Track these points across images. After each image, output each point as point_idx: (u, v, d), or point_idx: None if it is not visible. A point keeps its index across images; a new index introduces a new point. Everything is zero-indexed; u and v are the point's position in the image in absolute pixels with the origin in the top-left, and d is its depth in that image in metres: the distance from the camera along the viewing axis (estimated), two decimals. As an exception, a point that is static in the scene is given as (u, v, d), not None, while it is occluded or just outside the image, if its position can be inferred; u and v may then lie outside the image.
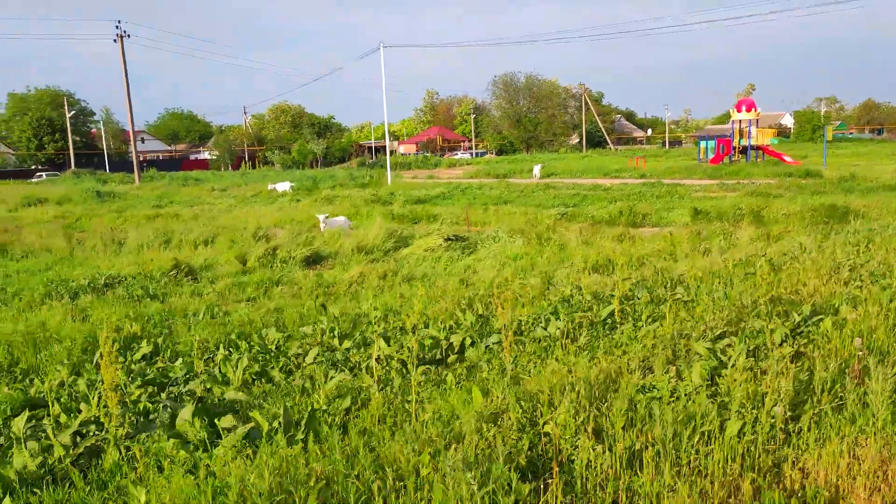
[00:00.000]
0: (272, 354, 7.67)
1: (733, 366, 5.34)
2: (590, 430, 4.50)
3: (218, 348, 8.36)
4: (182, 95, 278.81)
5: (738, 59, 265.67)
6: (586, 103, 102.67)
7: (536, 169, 47.02)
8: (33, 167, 77.93)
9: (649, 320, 7.44)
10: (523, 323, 7.75)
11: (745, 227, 19.71)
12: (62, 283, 12.24)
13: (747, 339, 6.09)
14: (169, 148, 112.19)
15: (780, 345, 6.03)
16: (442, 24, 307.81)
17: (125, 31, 51.51)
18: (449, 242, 17.12)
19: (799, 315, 6.61)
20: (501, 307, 6.39)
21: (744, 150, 54.48)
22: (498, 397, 5.06)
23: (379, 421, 5.24)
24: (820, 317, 6.48)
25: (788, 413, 4.74)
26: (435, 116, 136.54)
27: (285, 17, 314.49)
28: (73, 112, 75.99)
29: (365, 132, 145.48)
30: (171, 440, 4.73)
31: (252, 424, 4.82)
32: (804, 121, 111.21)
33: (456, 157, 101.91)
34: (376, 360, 6.40)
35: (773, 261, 9.74)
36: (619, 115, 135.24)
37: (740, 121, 55.07)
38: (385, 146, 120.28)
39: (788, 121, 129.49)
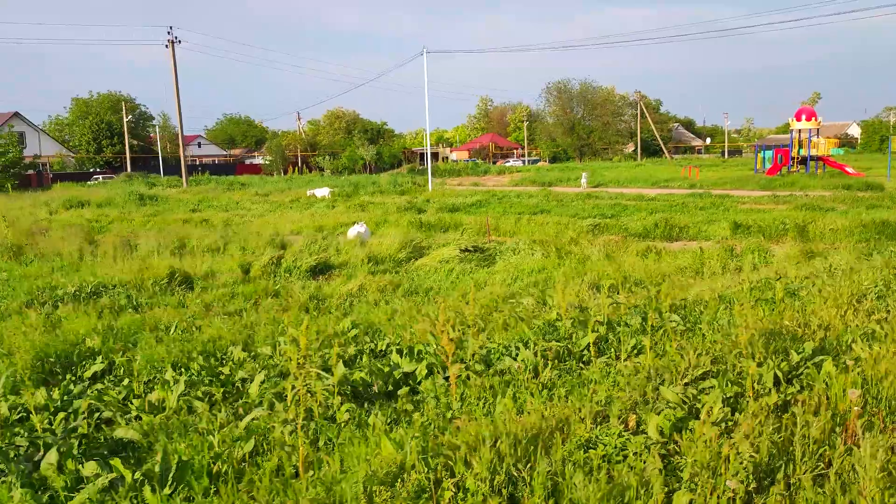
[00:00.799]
0: (214, 379, 7.02)
1: (703, 418, 4.46)
2: (504, 500, 3.71)
3: (177, 368, 7.76)
4: (240, 100, 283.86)
5: (805, 66, 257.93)
6: (642, 111, 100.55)
7: (584, 177, 45.84)
8: (91, 170, 79.79)
9: (634, 352, 6.56)
10: (492, 352, 6.94)
11: (787, 243, 18.51)
12: (49, 291, 11.87)
13: (729, 384, 5.17)
14: (224, 152, 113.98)
15: (769, 391, 5.10)
16: (509, 29, 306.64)
17: (176, 37, 52.25)
18: (466, 254, 16.34)
19: (799, 354, 5.65)
20: (448, 335, 5.61)
21: (803, 161, 52.23)
22: (410, 450, 4.28)
23: (278, 472, 4.52)
24: (822, 357, 5.51)
25: (753, 485, 3.85)
26: (488, 123, 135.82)
27: (347, 22, 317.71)
28: (131, 116, 77.61)
29: (419, 138, 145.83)
30: (22, 489, 4.08)
31: (114, 474, 4.14)
32: (871, 131, 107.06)
33: (507, 164, 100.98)
34: (309, 393, 5.67)
35: (793, 285, 8.71)
36: (676, 124, 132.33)
37: (800, 130, 52.91)
38: (436, 152, 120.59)
39: (855, 131, 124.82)
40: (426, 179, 60.57)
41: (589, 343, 6.87)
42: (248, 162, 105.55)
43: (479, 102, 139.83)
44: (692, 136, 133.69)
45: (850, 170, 47.78)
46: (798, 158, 52.43)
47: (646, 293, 10.01)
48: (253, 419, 5.31)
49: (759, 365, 5.39)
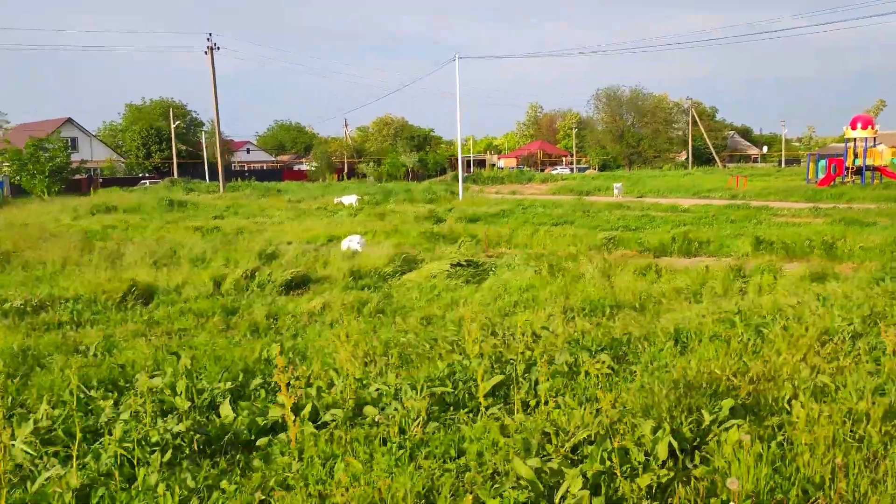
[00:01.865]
0: (84, 416, 6.27)
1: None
2: None
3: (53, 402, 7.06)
4: (290, 107, 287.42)
5: (871, 72, 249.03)
6: (694, 119, 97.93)
7: (616, 188, 44.44)
8: (140, 175, 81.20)
9: (540, 400, 5.59)
10: (384, 394, 6.03)
11: (811, 261, 17.16)
12: (-6, 304, 11.40)
13: (610, 454, 4.18)
14: (271, 159, 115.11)
15: (655, 466, 4.10)
16: (562, 34, 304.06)
17: (216, 44, 52.63)
18: (458, 269, 15.43)
19: (712, 414, 4.62)
20: (287, 381, 4.75)
21: (859, 171, 49.76)
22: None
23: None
24: (736, 421, 4.46)
25: None
26: (538, 130, 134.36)
27: (395, 27, 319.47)
28: (179, 122, 78.76)
29: (468, 145, 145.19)
30: None
31: None
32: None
33: (555, 172, 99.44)
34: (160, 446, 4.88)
35: (764, 319, 7.60)
36: (732, 132, 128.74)
37: (855, 139, 50.45)
38: (483, 159, 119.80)
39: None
40: (466, 186, 59.85)
41: (500, 383, 5.93)
42: (296, 168, 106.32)
43: (528, 109, 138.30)
44: (748, 144, 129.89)
45: (908, 181, 45.25)
46: (853, 168, 49.97)
47: (608, 323, 8.97)
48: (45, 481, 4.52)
49: (655, 430, 4.38)
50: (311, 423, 5.47)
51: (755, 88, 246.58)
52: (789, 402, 4.95)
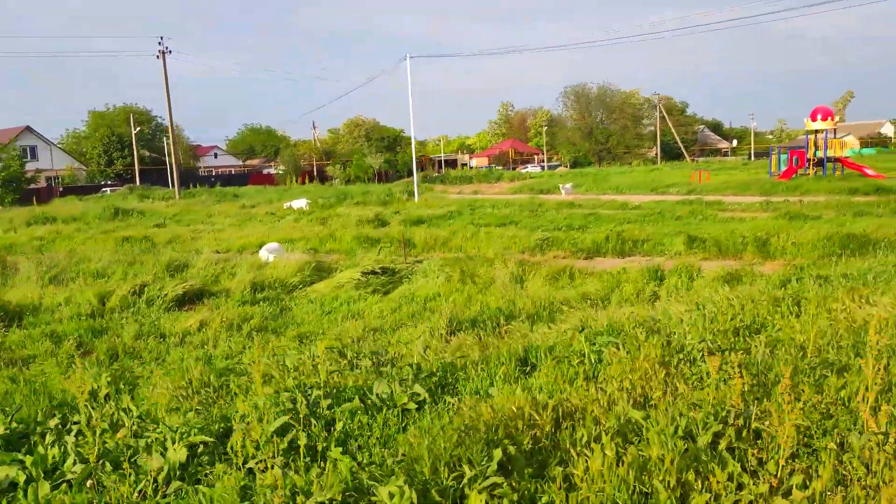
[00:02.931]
0: None
1: None
2: None
3: None
4: (261, 111, 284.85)
5: (841, 65, 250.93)
6: (663, 114, 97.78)
7: (563, 187, 43.67)
8: (102, 183, 79.64)
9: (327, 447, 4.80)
10: (153, 443, 5.20)
11: (742, 258, 16.58)
12: None
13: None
14: (239, 163, 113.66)
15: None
16: (530, 31, 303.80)
17: (167, 48, 51.49)
18: (371, 277, 14.63)
19: (474, 469, 3.84)
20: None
21: (820, 163, 49.58)
22: None
23: None
24: (492, 481, 3.68)
25: None
26: (509, 129, 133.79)
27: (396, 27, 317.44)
28: (139, 128, 77.17)
29: (438, 146, 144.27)
30: None
31: None
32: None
33: (525, 170, 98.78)
34: None
35: (628, 331, 6.85)
36: (702, 126, 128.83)
37: (816, 131, 50.25)
38: (454, 159, 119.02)
39: (889, 130, 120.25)
40: (426, 188, 59.01)
41: (285, 426, 5.11)
42: (265, 172, 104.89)
43: (499, 108, 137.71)
44: (718, 138, 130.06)
45: (869, 171, 44.95)
46: (814, 160, 49.77)
47: (490, 339, 8.20)
48: None
49: (393, 495, 3.59)
50: (47, 483, 4.64)
51: (728, 83, 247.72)
52: (589, 444, 4.19)
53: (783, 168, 50.81)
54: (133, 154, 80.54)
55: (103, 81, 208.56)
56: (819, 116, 50.40)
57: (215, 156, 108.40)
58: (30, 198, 63.07)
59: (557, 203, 33.84)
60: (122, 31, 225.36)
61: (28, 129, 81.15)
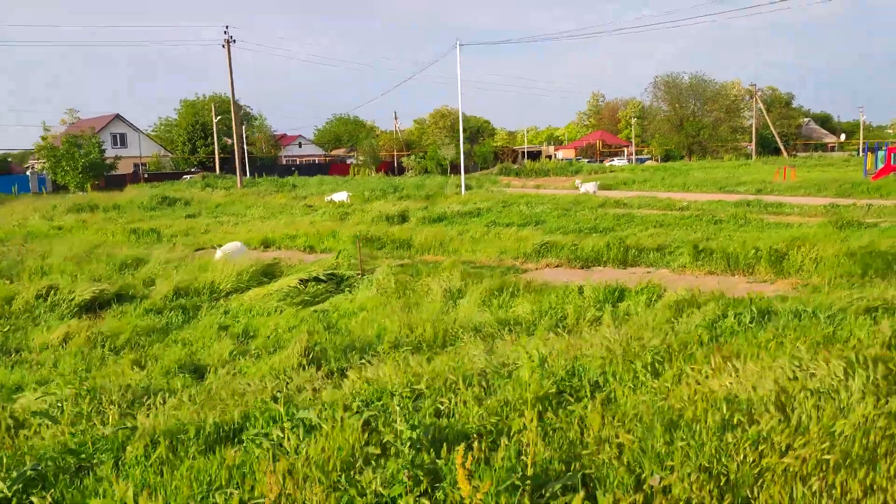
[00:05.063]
0: None
1: None
2: None
3: None
4: (347, 100, 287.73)
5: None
6: (758, 106, 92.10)
7: (582, 184, 40.83)
8: (185, 170, 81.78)
9: None
10: None
11: (755, 273, 14.40)
12: None
13: None
14: (322, 153, 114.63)
15: None
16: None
17: (232, 37, 51.69)
18: (307, 285, 13.26)
19: None
20: None
21: (923, 161, 44.81)
22: None
23: None
24: None
25: None
26: (599, 120, 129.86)
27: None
28: (220, 117, 78.41)
29: (529, 136, 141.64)
30: None
31: None
32: None
33: (612, 163, 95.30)
34: None
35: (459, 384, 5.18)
36: (808, 119, 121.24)
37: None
38: (539, 151, 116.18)
39: None
40: (493, 180, 57.28)
41: None
42: (348, 162, 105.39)
43: (590, 98, 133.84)
44: (825, 132, 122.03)
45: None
46: (918, 158, 45.02)
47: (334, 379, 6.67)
48: None
49: None
50: None
51: (842, 73, 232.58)
52: None
53: (880, 166, 46.36)
54: (214, 142, 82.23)
55: (198, 72, 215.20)
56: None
57: (300, 145, 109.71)
58: (116, 184, 65.23)
59: (602, 201, 31.52)
60: (195, 20, 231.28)
61: (118, 117, 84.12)
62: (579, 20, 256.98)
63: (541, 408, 4.99)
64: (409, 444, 4.08)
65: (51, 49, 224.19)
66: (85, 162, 60.64)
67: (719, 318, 8.24)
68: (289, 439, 4.36)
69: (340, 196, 36.33)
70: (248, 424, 4.94)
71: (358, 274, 14.24)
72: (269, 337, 10.13)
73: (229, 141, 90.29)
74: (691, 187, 41.27)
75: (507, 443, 4.29)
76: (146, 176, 76.54)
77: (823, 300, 8.56)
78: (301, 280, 13.33)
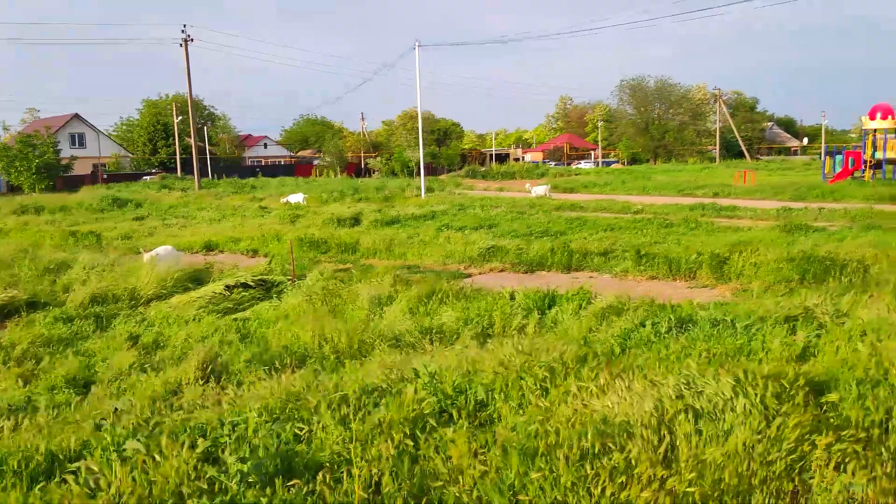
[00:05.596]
0: None
1: None
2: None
3: None
4: (314, 101, 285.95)
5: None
6: (722, 110, 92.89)
7: (534, 188, 39.98)
8: (145, 171, 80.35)
9: None
10: None
11: (696, 278, 14.21)
12: None
13: None
14: (288, 153, 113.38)
15: None
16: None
17: (189, 36, 50.74)
18: (232, 291, 12.75)
19: None
20: None
21: (879, 165, 45.26)
22: None
23: None
24: None
25: None
26: (567, 123, 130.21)
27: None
28: (181, 118, 77.13)
29: (498, 139, 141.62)
30: None
31: None
32: None
33: (578, 165, 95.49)
34: None
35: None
36: (771, 124, 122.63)
37: (875, 130, 45.89)
38: (507, 153, 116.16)
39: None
40: (456, 182, 56.97)
41: None
42: (316, 163, 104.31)
43: (558, 101, 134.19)
44: (789, 136, 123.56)
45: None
46: (872, 162, 45.46)
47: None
48: None
49: None
50: None
51: (806, 79, 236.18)
52: None
53: (838, 170, 46.83)
54: (179, 143, 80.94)
55: (164, 72, 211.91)
56: (879, 114, 46.04)
57: (265, 146, 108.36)
58: (73, 184, 63.76)
59: (559, 204, 31.29)
60: (161, 18, 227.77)
61: (77, 116, 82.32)
62: (563, 22, 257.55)
63: (408, 431, 4.59)
64: (237, 478, 3.65)
65: (13, 47, 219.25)
66: (39, 162, 59.22)
67: (637, 327, 7.92)
68: (112, 473, 3.91)
69: (296, 198, 35.72)
70: (85, 453, 4.48)
71: (289, 279, 13.76)
72: (177, 347, 9.62)
73: (191, 141, 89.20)
74: (651, 190, 41.30)
75: (357, 473, 3.89)
76: (105, 177, 74.96)
77: (747, 308, 8.28)
78: (227, 286, 12.82)
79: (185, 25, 51.25)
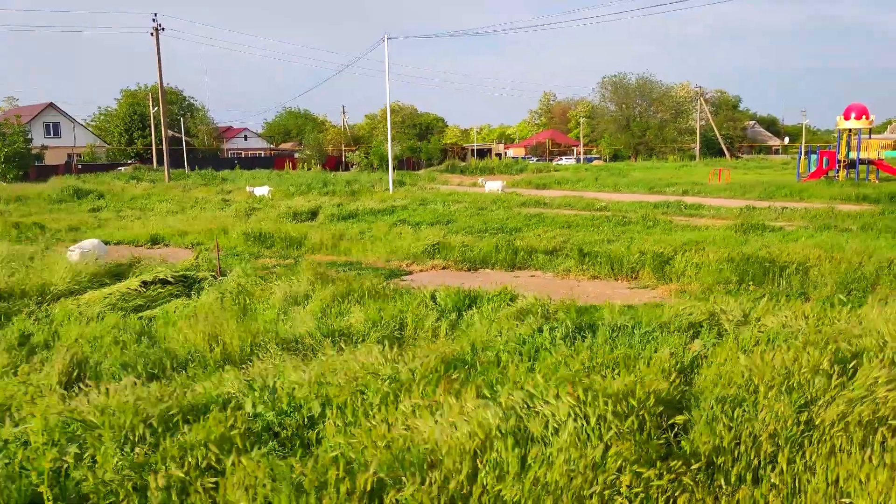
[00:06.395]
0: None
1: None
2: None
3: None
4: (296, 93, 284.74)
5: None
6: (702, 107, 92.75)
7: (489, 185, 38.98)
8: (121, 162, 79.33)
9: None
10: None
11: (638, 279, 13.81)
12: None
13: None
14: (269, 146, 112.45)
15: None
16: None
17: (160, 25, 49.87)
18: (148, 287, 12.18)
19: None
20: None
21: (853, 165, 45.11)
22: None
23: None
24: None
25: None
26: (550, 119, 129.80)
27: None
28: (156, 109, 76.00)
29: (482, 134, 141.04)
30: None
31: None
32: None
33: (560, 162, 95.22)
34: None
35: None
36: (752, 122, 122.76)
37: (849, 130, 45.72)
38: (489, 148, 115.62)
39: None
40: (431, 177, 56.40)
41: None
42: (297, 156, 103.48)
43: (541, 97, 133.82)
44: (770, 135, 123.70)
45: (905, 175, 40.63)
46: (845, 162, 45.32)
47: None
48: None
49: None
50: None
51: (789, 78, 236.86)
52: None
53: (812, 169, 46.69)
54: (157, 134, 79.89)
55: (146, 61, 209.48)
56: (853, 114, 45.86)
57: (245, 138, 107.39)
58: (45, 174, 62.73)
59: (523, 201, 30.82)
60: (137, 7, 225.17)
61: (51, 105, 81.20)
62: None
63: (212, 455, 4.08)
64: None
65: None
66: (9, 151, 58.19)
67: (535, 332, 7.44)
68: None
69: (262, 191, 35.11)
70: None
71: (212, 275, 13.21)
72: (64, 349, 9.06)
73: (171, 133, 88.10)
74: (622, 188, 40.92)
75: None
76: (80, 167, 73.91)
77: (653, 314, 7.82)
78: (144, 282, 12.25)
79: (155, 14, 50.54)
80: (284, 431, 4.66)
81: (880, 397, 4.38)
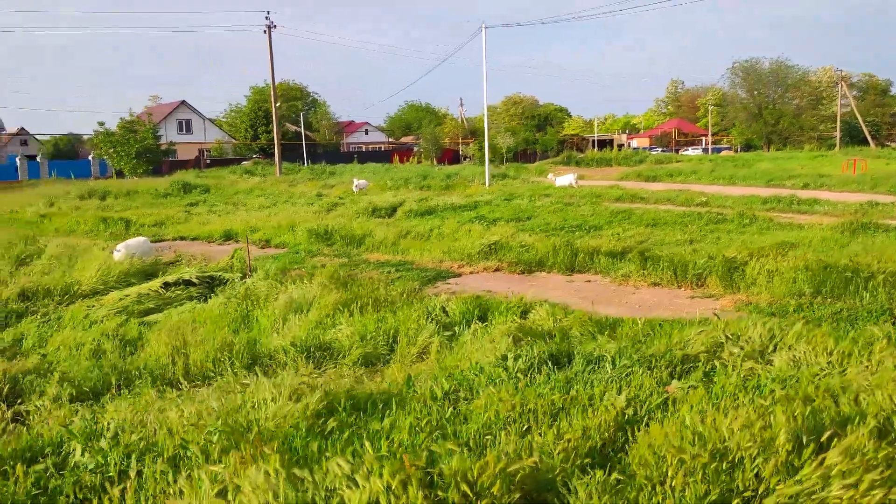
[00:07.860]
0: None
1: None
2: None
3: None
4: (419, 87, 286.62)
5: None
6: (846, 93, 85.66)
7: (560, 179, 36.07)
8: (248, 156, 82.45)
9: None
10: None
11: (706, 287, 12.30)
12: None
13: None
14: (387, 140, 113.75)
15: None
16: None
17: (273, 23, 51.04)
18: (170, 289, 11.83)
19: None
20: None
21: None
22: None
23: None
24: None
25: None
26: (678, 108, 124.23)
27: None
28: (279, 104, 78.28)
29: (606, 124, 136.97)
30: None
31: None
32: None
33: (685, 153, 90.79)
34: None
35: None
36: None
37: None
38: (611, 139, 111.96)
39: None
40: (543, 170, 54.82)
41: None
42: (414, 149, 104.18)
43: (668, 85, 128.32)
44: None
45: None
46: None
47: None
48: None
49: None
50: None
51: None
52: None
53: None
54: (280, 129, 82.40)
55: (279, 58, 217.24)
56: None
57: (366, 132, 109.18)
58: (175, 169, 66.00)
59: (619, 195, 28.97)
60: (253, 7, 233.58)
61: (184, 103, 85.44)
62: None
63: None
64: None
65: (140, 36, 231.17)
66: (139, 147, 61.47)
67: (499, 360, 6.29)
68: None
69: (362, 184, 35.13)
70: None
71: (241, 277, 12.72)
72: (43, 356, 8.72)
73: (293, 128, 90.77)
74: (737, 180, 38.02)
75: None
76: (208, 161, 77.42)
77: (681, 335, 6.42)
78: (166, 283, 11.90)
79: (268, 12, 51.69)
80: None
81: (833, 497, 3.02)
